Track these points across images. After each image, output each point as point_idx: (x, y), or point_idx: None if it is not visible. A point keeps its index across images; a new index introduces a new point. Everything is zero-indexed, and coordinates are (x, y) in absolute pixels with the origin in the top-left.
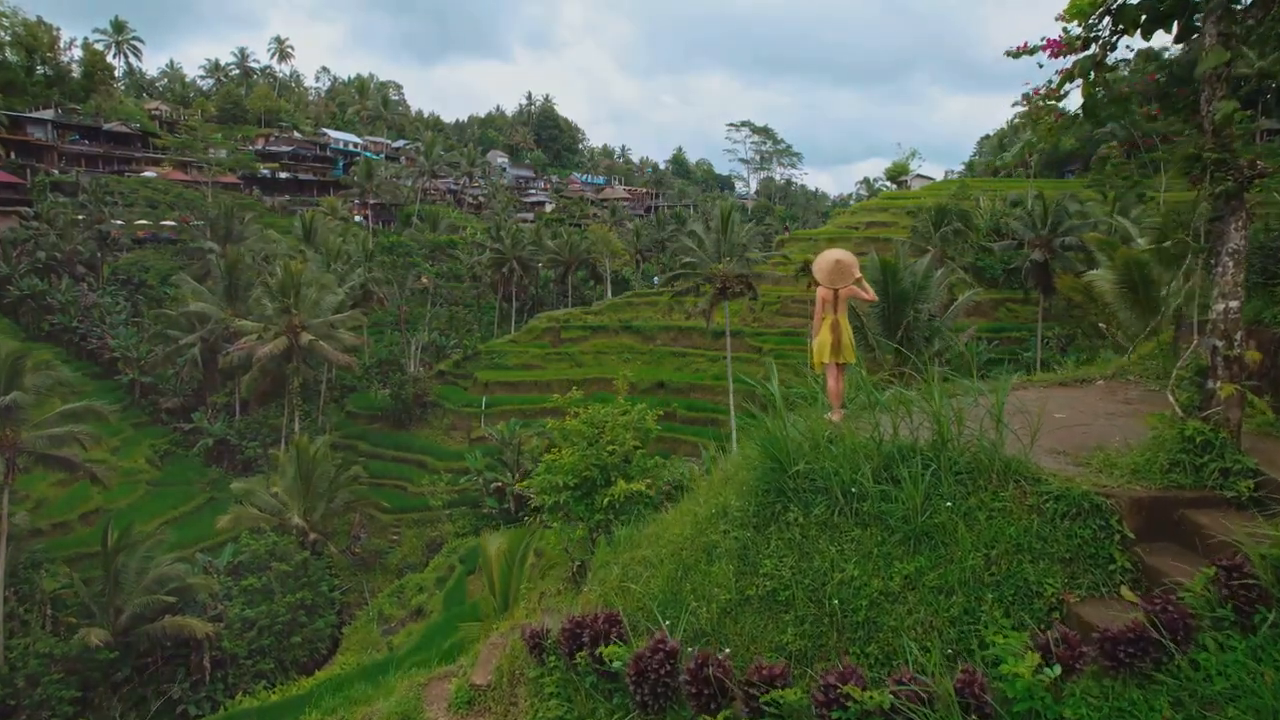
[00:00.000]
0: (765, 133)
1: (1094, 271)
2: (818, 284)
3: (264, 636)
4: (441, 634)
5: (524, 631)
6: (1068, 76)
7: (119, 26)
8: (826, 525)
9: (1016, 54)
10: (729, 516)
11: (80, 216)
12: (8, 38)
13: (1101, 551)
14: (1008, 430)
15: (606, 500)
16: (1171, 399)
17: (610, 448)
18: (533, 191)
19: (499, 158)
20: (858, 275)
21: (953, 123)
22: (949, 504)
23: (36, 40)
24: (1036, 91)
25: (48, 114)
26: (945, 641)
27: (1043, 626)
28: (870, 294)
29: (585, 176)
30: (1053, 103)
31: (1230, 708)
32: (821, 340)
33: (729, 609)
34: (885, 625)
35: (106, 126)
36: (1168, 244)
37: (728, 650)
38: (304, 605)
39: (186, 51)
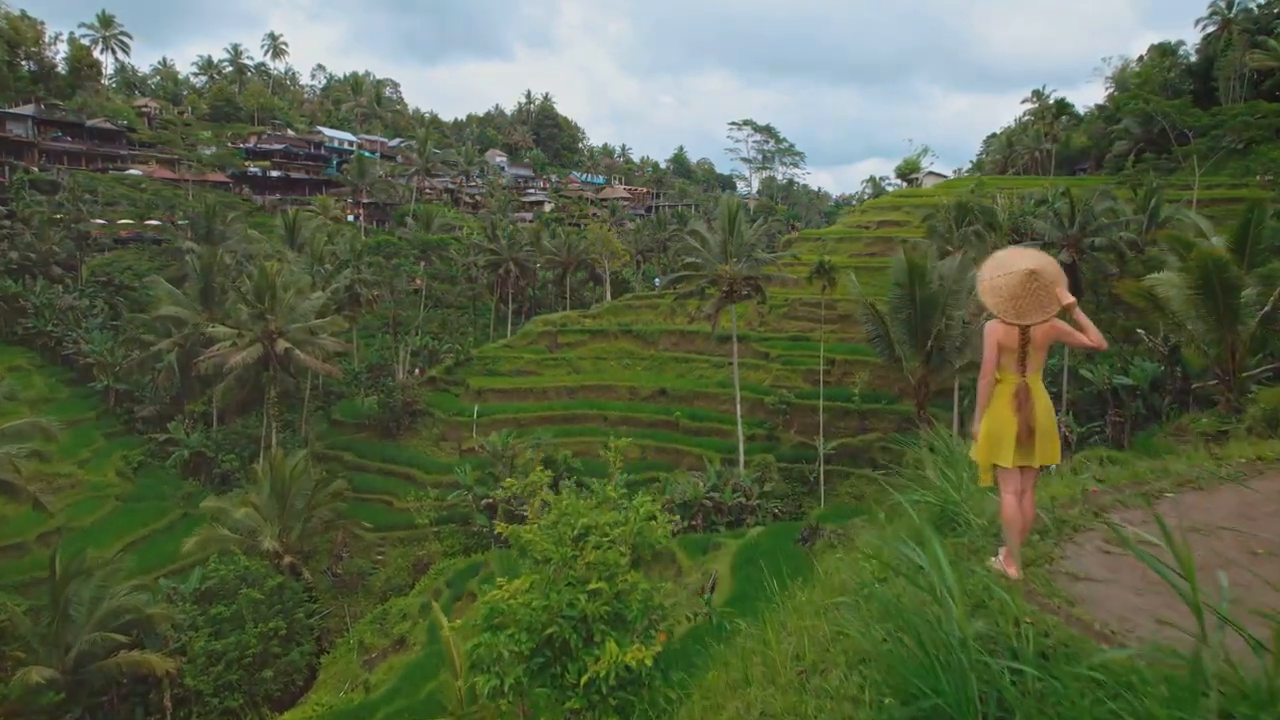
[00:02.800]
0: (767, 132)
1: (1158, 275)
2: (999, 319)
3: (232, 670)
4: (422, 673)
5: None
6: None
7: (106, 21)
8: None
9: None
10: None
11: (58, 215)
12: None
13: None
14: None
15: (586, 679)
16: None
17: (596, 585)
18: (531, 191)
19: (497, 157)
20: (1068, 299)
21: (952, 122)
22: None
23: (20, 35)
24: None
25: (28, 109)
26: None
27: None
28: (1095, 336)
29: (585, 176)
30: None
31: None
32: (998, 424)
33: None
34: None
35: (90, 123)
36: None
37: None
38: (277, 635)
39: (189, 51)
